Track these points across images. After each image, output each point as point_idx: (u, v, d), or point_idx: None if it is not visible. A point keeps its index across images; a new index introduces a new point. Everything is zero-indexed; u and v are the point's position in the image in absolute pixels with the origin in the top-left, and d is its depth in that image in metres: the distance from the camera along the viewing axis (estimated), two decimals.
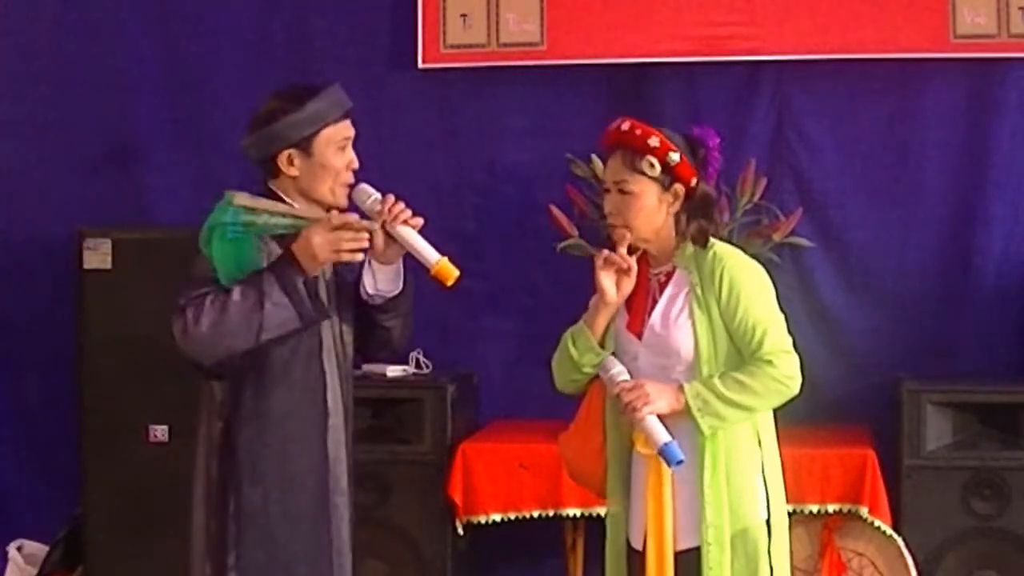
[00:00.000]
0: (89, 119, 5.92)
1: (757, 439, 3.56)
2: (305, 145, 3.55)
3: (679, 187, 3.55)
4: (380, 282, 3.62)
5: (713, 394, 3.46)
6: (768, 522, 3.55)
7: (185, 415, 5.33)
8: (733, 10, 5.51)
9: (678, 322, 3.54)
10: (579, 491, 5.04)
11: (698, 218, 3.57)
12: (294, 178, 3.57)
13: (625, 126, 3.58)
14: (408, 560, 5.18)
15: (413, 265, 3.61)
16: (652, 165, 3.52)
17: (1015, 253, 5.46)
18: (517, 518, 5.12)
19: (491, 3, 5.65)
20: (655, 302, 3.60)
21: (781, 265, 5.46)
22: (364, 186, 3.62)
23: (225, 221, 3.48)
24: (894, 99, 5.53)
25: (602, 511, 4.98)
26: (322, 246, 3.44)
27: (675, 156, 3.53)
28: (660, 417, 3.47)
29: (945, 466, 4.98)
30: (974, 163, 5.49)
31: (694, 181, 3.56)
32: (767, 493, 3.55)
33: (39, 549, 5.68)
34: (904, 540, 4.89)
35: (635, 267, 3.55)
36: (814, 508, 4.90)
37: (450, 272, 3.51)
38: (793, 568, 4.94)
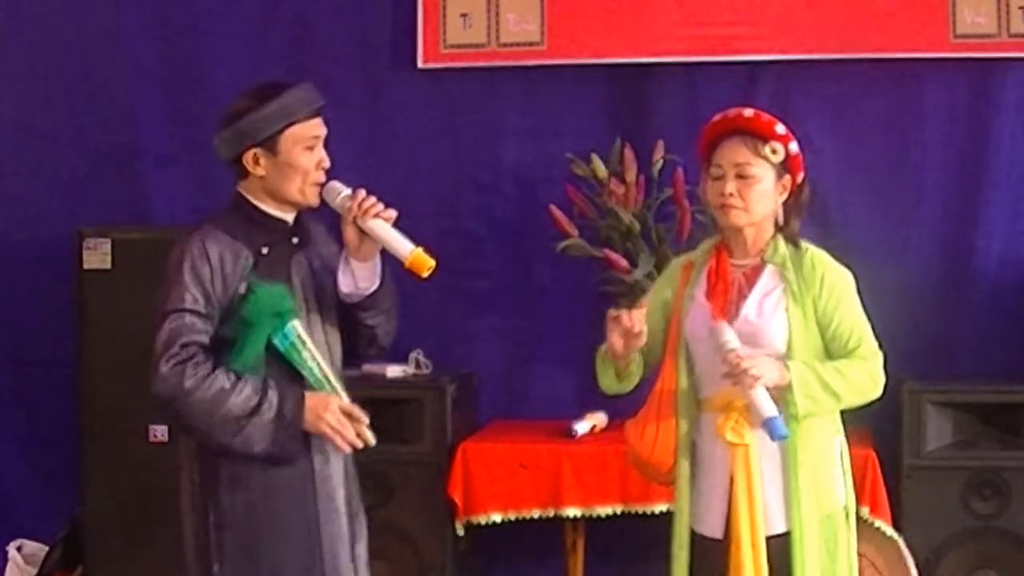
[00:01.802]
0: (89, 119, 5.92)
1: (837, 428, 3.68)
2: (270, 144, 3.49)
3: (788, 179, 3.66)
4: (360, 280, 3.55)
5: (815, 376, 3.54)
6: (846, 508, 3.64)
7: None
8: (733, 10, 5.51)
9: (773, 317, 3.61)
10: (579, 491, 5.05)
11: (797, 217, 3.68)
12: (261, 178, 3.52)
13: (749, 112, 3.67)
14: (408, 560, 5.18)
15: (395, 260, 3.56)
16: (775, 151, 3.62)
17: (1015, 253, 5.46)
18: (517, 518, 5.12)
19: (491, 3, 5.65)
20: (742, 293, 3.65)
21: None
22: (334, 183, 3.57)
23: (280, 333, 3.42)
24: (894, 99, 5.52)
25: (603, 511, 5.03)
26: (326, 422, 3.41)
27: (795, 147, 3.65)
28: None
29: (945, 466, 4.98)
30: (974, 163, 5.48)
31: (801, 176, 3.68)
32: (844, 481, 3.65)
33: (39, 549, 5.68)
34: (904, 540, 4.89)
35: (645, 331, 3.54)
36: None
37: (424, 262, 3.46)
38: None
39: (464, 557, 5.28)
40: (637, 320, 3.51)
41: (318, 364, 3.45)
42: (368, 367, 5.41)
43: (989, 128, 5.47)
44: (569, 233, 5.44)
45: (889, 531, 4.87)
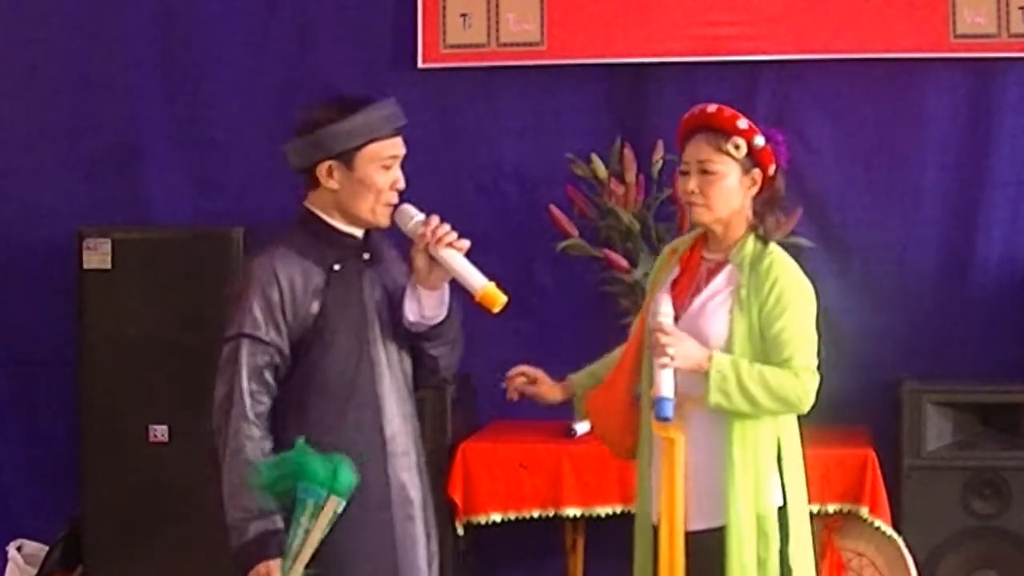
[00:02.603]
0: (89, 119, 5.92)
1: (777, 440, 3.62)
2: (347, 158, 3.40)
3: (758, 172, 3.64)
4: (425, 308, 3.45)
5: (735, 375, 3.51)
6: (784, 513, 3.60)
7: (185, 415, 5.38)
8: (733, 10, 5.51)
9: (716, 317, 3.60)
10: (579, 491, 5.05)
11: (770, 211, 3.66)
12: (333, 192, 3.43)
13: (712, 108, 3.64)
14: None
15: (459, 287, 3.50)
16: (738, 147, 3.60)
17: (1015, 253, 5.46)
18: (517, 518, 5.12)
19: (491, 3, 5.65)
20: (699, 288, 3.66)
21: None
22: (407, 207, 3.48)
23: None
24: (894, 99, 5.52)
25: (603, 511, 5.04)
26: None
27: (760, 140, 3.62)
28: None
29: (945, 466, 4.98)
30: (974, 163, 5.48)
31: (772, 169, 3.66)
32: (784, 488, 3.60)
33: (39, 549, 5.68)
34: (904, 540, 4.89)
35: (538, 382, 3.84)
36: (814, 508, 4.84)
37: (497, 298, 3.42)
38: None
39: (464, 557, 5.28)
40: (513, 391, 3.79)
41: (302, 542, 3.26)
42: None
43: (989, 128, 5.47)
44: (569, 233, 5.44)
45: (889, 531, 4.88)
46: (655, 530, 3.63)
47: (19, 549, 5.70)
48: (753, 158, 3.62)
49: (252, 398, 3.33)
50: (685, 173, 3.65)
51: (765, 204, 3.66)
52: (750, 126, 3.62)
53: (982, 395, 5.10)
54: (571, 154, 5.48)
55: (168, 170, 5.90)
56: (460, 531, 5.12)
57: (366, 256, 3.51)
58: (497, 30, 5.66)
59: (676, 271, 3.73)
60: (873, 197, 5.54)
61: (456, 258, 3.44)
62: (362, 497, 3.34)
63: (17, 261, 5.94)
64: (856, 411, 5.42)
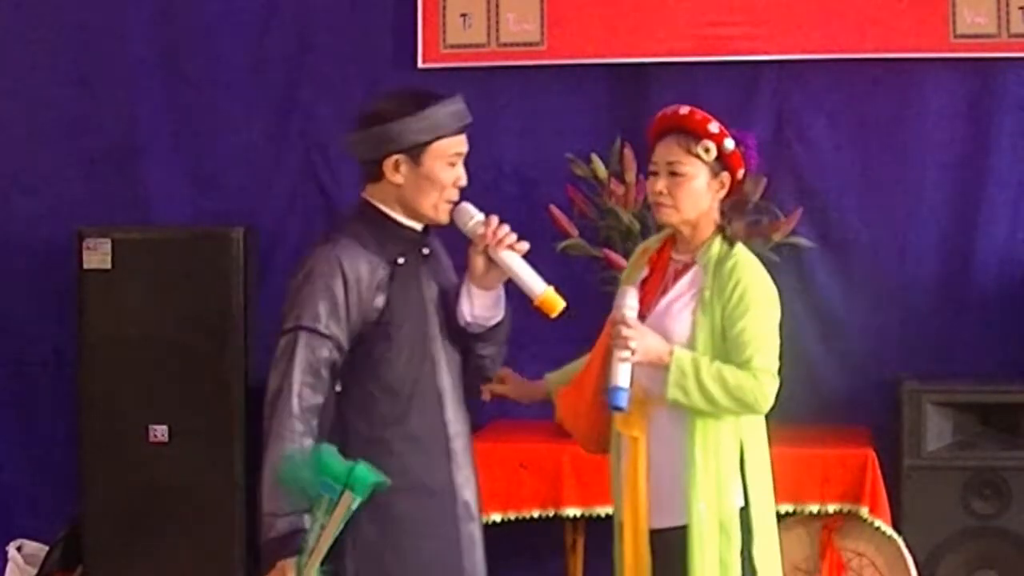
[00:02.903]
0: (89, 118, 5.92)
1: (739, 440, 3.64)
2: (415, 153, 3.36)
3: (727, 176, 3.66)
4: (477, 308, 3.43)
5: (694, 371, 3.53)
6: (746, 514, 3.61)
7: (185, 415, 5.38)
8: (733, 10, 5.51)
9: (680, 317, 3.63)
10: (579, 491, 5.05)
11: (738, 215, 3.68)
12: (397, 186, 3.39)
13: (684, 110, 3.66)
14: None
15: (510, 289, 3.48)
16: (708, 150, 3.62)
17: (1015, 253, 5.46)
18: (517, 518, 5.11)
19: (491, 3, 5.65)
20: (666, 288, 3.69)
21: (781, 265, 5.46)
22: (467, 206, 3.46)
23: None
24: (894, 99, 5.52)
25: (603, 511, 5.03)
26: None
27: (730, 144, 3.64)
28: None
29: (945, 466, 4.98)
30: (974, 163, 5.48)
31: (741, 173, 3.67)
32: (745, 488, 3.62)
33: (39, 549, 5.68)
34: (904, 540, 4.88)
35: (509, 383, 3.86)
36: (814, 508, 4.90)
37: (556, 303, 3.42)
38: (793, 568, 4.97)
39: None
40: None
41: (318, 538, 3.20)
42: None
43: (989, 128, 5.46)
44: (569, 233, 5.44)
45: (889, 531, 4.87)
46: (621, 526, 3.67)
47: (19, 549, 5.70)
48: (722, 161, 3.65)
49: (302, 394, 3.28)
50: (654, 173, 3.68)
51: (732, 207, 3.69)
52: (721, 129, 3.64)
53: (982, 395, 5.09)
54: (571, 154, 5.48)
55: (168, 170, 5.90)
56: None
57: (425, 251, 3.49)
58: (497, 30, 5.66)
59: (646, 271, 3.77)
60: (873, 197, 5.54)
61: (515, 260, 3.44)
62: (430, 499, 3.36)
63: (17, 261, 5.94)
64: (856, 411, 5.43)
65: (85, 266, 5.43)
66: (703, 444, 3.58)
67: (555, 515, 5.10)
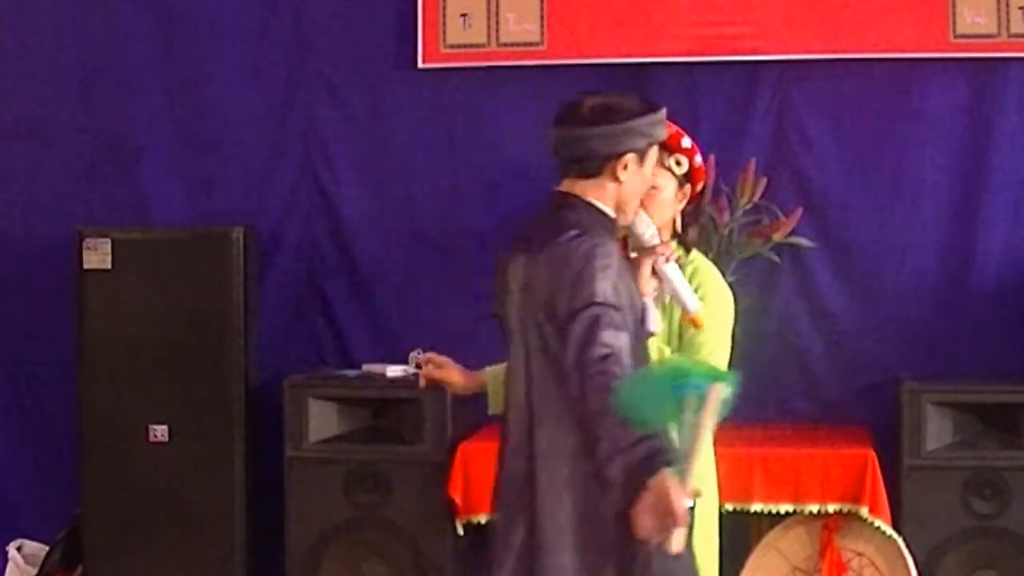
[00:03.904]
0: (89, 119, 5.92)
1: None
2: (643, 154, 3.37)
3: (689, 187, 3.77)
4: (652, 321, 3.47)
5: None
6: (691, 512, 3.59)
7: (185, 415, 5.38)
8: (733, 10, 5.51)
9: None
10: None
11: (694, 222, 3.80)
12: (619, 184, 3.36)
13: None
14: (408, 560, 5.17)
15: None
16: (679, 163, 3.72)
17: (1015, 253, 5.46)
18: None
19: (491, 3, 5.65)
20: None
21: (781, 265, 5.47)
22: (644, 214, 3.52)
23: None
24: (894, 99, 5.52)
25: None
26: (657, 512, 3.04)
27: (699, 159, 3.77)
28: None
29: (945, 466, 4.97)
30: (974, 163, 5.48)
31: (700, 185, 3.81)
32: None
33: (39, 549, 5.68)
34: (904, 540, 4.88)
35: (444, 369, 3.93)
36: (814, 508, 4.90)
37: (702, 321, 3.55)
38: (793, 568, 4.98)
39: (464, 557, 5.27)
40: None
41: (690, 438, 3.03)
42: (368, 367, 5.41)
43: (989, 128, 5.46)
44: None
45: (889, 531, 4.87)
46: None
47: (19, 549, 5.70)
48: (689, 175, 3.76)
49: (623, 352, 3.18)
50: None
51: (690, 215, 3.79)
52: (692, 145, 3.75)
53: (982, 395, 5.09)
54: None
55: (168, 170, 5.90)
56: (460, 531, 5.12)
57: (633, 255, 3.54)
58: (497, 30, 5.66)
59: None
60: (873, 197, 5.53)
61: (677, 274, 3.52)
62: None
63: (17, 261, 5.94)
64: (856, 411, 5.43)
65: (85, 266, 5.43)
66: None
67: None
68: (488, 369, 4.02)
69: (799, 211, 5.40)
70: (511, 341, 3.50)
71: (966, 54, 5.42)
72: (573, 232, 3.31)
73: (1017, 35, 5.38)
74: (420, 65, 5.71)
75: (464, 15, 5.66)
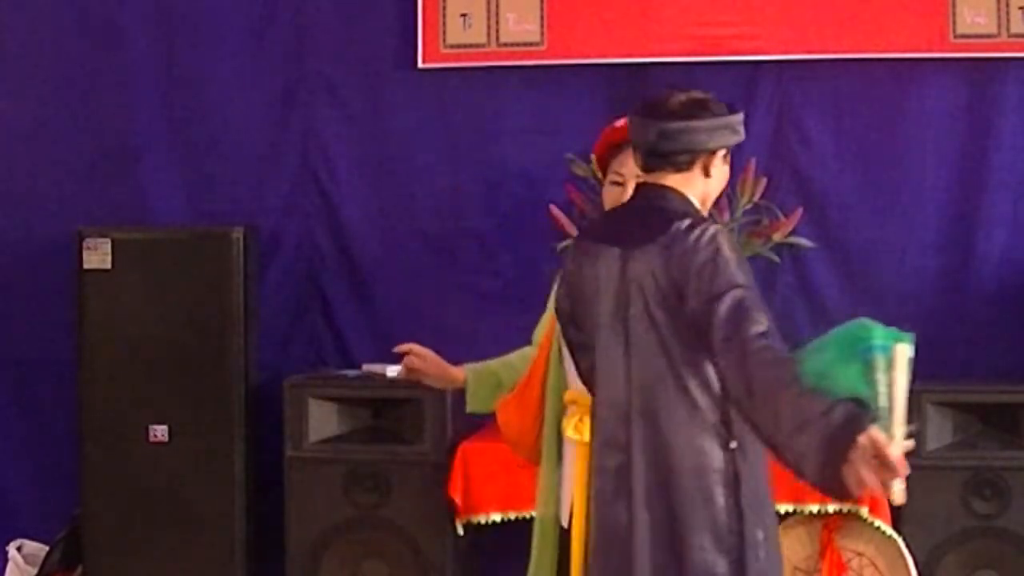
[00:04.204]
0: (89, 120, 5.92)
1: None
2: (728, 152, 3.36)
3: None
4: None
5: None
6: None
7: (185, 415, 5.38)
8: (733, 10, 5.52)
9: None
10: None
11: None
12: (707, 180, 3.33)
13: None
14: (408, 560, 5.18)
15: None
16: None
17: (1015, 253, 5.46)
18: (517, 518, 5.10)
19: (491, 3, 5.65)
20: None
21: (781, 265, 5.47)
22: None
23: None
24: (894, 99, 5.52)
25: None
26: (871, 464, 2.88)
27: None
28: None
29: (945, 466, 4.97)
30: (974, 163, 5.49)
31: None
32: None
33: (39, 549, 5.68)
34: (904, 540, 4.89)
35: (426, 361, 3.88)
36: (814, 508, 4.90)
37: None
38: (793, 568, 4.97)
39: (464, 557, 5.28)
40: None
41: (889, 397, 2.90)
42: (368, 367, 5.40)
43: (989, 128, 5.47)
44: (569, 233, 5.44)
45: (889, 531, 4.87)
46: (563, 531, 3.62)
47: (19, 549, 5.70)
48: None
49: (775, 330, 3.13)
50: (619, 184, 3.65)
51: None
52: None
53: (982, 395, 5.10)
54: (571, 154, 5.48)
55: (168, 170, 5.90)
56: (460, 531, 5.12)
57: None
58: (497, 30, 5.66)
59: None
60: (873, 197, 5.54)
61: None
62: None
63: (17, 261, 5.95)
64: None
65: (85, 266, 5.43)
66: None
67: None
68: (468, 366, 3.95)
69: (799, 211, 5.41)
70: (597, 336, 3.35)
71: (966, 54, 5.42)
72: (687, 221, 3.23)
73: (1017, 35, 5.38)
74: (420, 65, 5.71)
75: (464, 15, 5.67)
